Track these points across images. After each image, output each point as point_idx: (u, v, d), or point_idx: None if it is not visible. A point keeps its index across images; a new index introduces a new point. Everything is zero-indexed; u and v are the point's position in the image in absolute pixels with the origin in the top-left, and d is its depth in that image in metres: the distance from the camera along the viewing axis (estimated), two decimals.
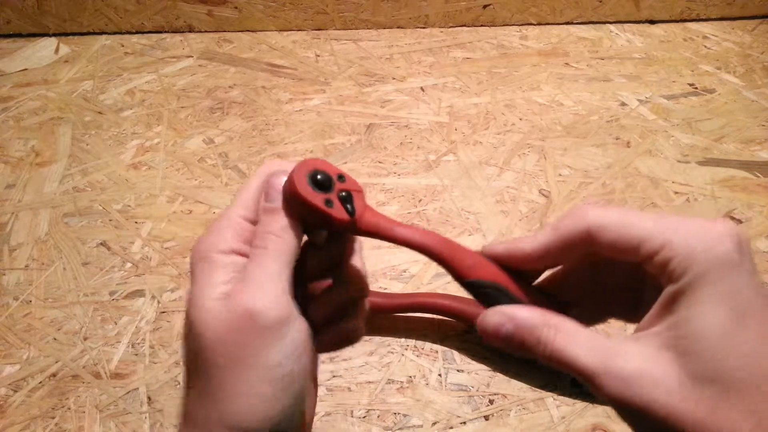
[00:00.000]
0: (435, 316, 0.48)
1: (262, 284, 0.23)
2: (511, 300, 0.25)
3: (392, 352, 0.47)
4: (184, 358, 0.25)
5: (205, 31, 0.85)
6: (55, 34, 0.84)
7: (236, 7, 0.82)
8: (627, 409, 0.20)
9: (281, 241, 0.24)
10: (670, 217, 0.21)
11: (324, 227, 0.27)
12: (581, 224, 0.22)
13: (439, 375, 0.45)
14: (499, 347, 0.24)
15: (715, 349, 0.19)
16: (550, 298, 0.26)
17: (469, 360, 0.46)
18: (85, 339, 0.47)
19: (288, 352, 0.23)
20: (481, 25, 0.86)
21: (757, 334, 0.19)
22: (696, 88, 0.75)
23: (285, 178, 0.25)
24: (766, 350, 0.19)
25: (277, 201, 0.25)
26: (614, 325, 0.36)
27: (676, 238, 0.20)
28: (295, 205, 0.25)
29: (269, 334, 0.23)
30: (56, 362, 0.46)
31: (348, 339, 0.28)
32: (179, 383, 0.45)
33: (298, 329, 0.24)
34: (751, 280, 0.20)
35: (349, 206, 0.26)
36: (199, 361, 0.23)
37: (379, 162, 0.64)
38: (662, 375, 0.20)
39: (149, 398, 0.44)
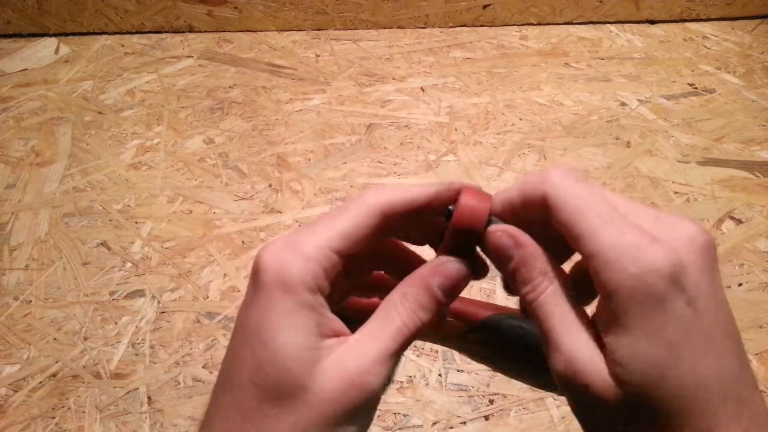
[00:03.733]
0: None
1: (382, 361, 0.21)
2: None
3: None
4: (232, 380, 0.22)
5: (205, 31, 0.85)
6: (55, 34, 0.84)
7: (236, 7, 0.82)
8: (566, 388, 0.21)
9: (422, 325, 0.23)
10: (618, 222, 0.20)
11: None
12: (540, 189, 0.22)
13: (439, 375, 0.45)
14: (491, 258, 0.23)
15: (648, 381, 0.19)
16: None
17: (469, 360, 0.46)
18: (85, 339, 0.47)
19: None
20: (481, 25, 0.86)
21: (690, 366, 0.19)
22: (696, 88, 0.75)
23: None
24: (697, 380, 0.19)
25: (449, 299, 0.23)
26: None
27: (610, 255, 0.19)
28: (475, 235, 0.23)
29: (376, 403, 0.22)
30: (56, 362, 0.46)
31: None
32: (179, 383, 0.45)
33: None
34: (684, 313, 0.19)
35: None
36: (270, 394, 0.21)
37: (379, 162, 0.64)
38: (601, 386, 0.20)
39: (149, 398, 0.44)
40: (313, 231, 0.21)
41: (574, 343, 0.21)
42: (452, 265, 0.23)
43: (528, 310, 0.23)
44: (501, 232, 0.23)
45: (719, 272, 0.20)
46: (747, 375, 0.20)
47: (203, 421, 0.22)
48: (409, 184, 0.23)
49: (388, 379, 0.22)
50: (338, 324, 0.22)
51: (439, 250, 0.24)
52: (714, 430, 0.19)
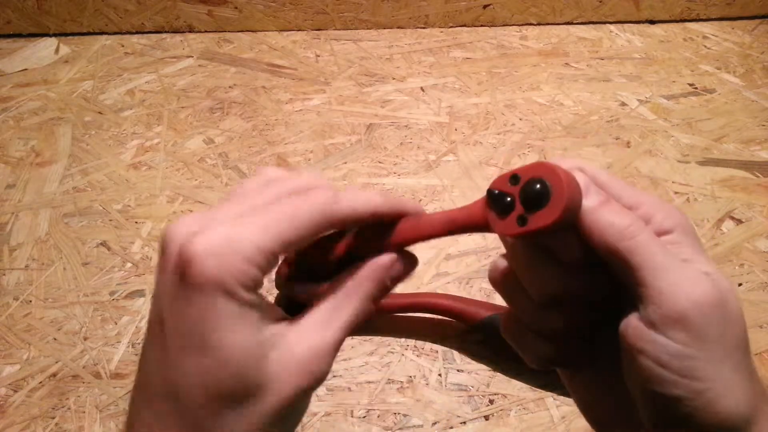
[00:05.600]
0: (435, 316, 0.48)
1: (333, 348, 0.22)
2: None
3: (392, 352, 0.47)
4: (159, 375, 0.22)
5: (205, 31, 0.85)
6: (55, 34, 0.84)
7: (236, 7, 0.82)
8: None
9: (370, 314, 0.23)
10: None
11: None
12: (574, 161, 0.24)
13: (439, 375, 0.45)
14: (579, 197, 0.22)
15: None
16: None
17: (469, 360, 0.46)
18: (85, 339, 0.47)
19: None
20: (481, 25, 0.86)
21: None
22: (696, 88, 0.75)
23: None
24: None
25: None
26: None
27: (654, 198, 0.24)
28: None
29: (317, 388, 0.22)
30: (56, 362, 0.46)
31: None
32: None
33: None
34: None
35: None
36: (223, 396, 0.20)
37: (379, 162, 0.64)
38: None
39: None
40: (253, 226, 0.20)
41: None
42: (406, 261, 0.24)
43: (618, 250, 0.21)
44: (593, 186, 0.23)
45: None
46: None
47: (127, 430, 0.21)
48: (370, 192, 0.24)
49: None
50: (276, 310, 0.22)
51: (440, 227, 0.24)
52: None
